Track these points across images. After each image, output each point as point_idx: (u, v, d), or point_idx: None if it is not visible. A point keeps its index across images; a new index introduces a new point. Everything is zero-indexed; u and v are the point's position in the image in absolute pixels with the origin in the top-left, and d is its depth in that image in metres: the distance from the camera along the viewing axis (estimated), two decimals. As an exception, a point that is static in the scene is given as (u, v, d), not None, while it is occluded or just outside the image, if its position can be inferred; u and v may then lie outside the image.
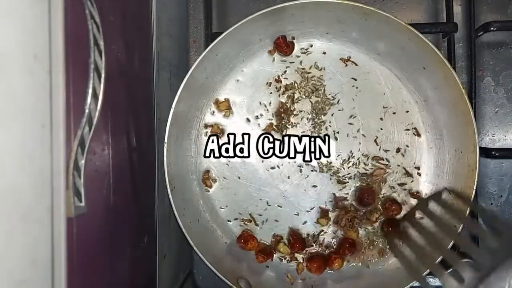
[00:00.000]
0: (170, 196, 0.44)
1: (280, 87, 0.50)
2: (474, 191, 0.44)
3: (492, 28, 0.48)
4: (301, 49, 0.50)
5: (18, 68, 0.22)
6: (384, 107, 0.50)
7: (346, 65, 0.50)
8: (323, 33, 0.49)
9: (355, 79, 0.50)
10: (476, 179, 0.44)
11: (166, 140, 0.44)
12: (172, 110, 0.44)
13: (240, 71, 0.50)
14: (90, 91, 0.27)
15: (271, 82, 0.50)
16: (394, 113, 0.50)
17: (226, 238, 0.51)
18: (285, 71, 0.50)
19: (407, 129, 0.50)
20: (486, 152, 0.49)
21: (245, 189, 0.51)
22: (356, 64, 0.50)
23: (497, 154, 0.49)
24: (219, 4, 0.55)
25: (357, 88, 0.50)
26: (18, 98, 0.22)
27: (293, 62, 0.50)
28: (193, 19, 0.55)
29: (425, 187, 0.50)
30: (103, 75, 0.28)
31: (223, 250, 0.50)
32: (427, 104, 0.49)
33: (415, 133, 0.50)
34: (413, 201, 0.50)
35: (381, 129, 0.50)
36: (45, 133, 0.24)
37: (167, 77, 0.47)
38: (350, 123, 0.50)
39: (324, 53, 0.50)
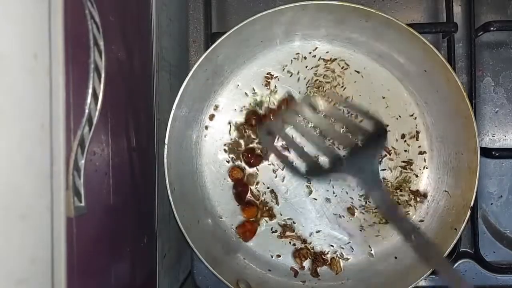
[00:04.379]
0: (170, 198, 0.44)
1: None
2: (474, 194, 0.44)
3: (492, 28, 0.48)
4: (301, 50, 0.50)
5: (18, 68, 0.22)
6: (384, 109, 0.50)
7: (347, 66, 0.50)
8: (323, 34, 0.49)
9: (355, 81, 0.50)
10: (476, 182, 0.44)
11: (166, 142, 0.44)
12: (172, 112, 0.44)
13: (241, 73, 0.50)
14: (90, 91, 0.27)
15: (271, 84, 0.50)
16: (394, 115, 0.50)
17: (225, 239, 0.50)
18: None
19: (408, 131, 0.50)
20: (486, 152, 0.49)
21: (245, 190, 0.51)
22: (358, 66, 0.50)
23: (497, 154, 0.49)
24: (219, 4, 0.55)
25: (357, 90, 0.50)
26: (18, 98, 0.22)
27: (293, 65, 0.50)
28: (193, 19, 0.55)
29: (424, 189, 0.50)
30: (103, 75, 0.28)
31: (224, 252, 0.50)
32: (427, 106, 0.49)
33: (416, 135, 0.50)
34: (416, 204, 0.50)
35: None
36: (45, 133, 0.24)
37: (167, 77, 0.47)
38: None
39: (325, 55, 0.50)
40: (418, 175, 0.50)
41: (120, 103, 0.35)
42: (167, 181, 0.44)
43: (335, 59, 0.50)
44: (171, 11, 0.49)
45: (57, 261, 0.25)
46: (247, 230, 0.50)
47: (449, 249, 0.44)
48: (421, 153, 0.50)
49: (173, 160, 0.45)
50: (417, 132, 0.50)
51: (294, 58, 0.50)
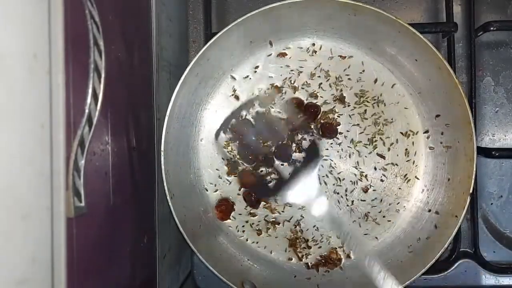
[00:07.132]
0: (170, 204, 0.44)
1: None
2: (473, 181, 0.44)
3: (492, 28, 0.48)
4: (292, 47, 0.50)
5: (18, 68, 0.22)
6: (378, 101, 0.50)
7: (339, 61, 0.50)
8: (313, 31, 0.49)
9: (348, 75, 0.50)
10: (474, 169, 0.44)
11: (162, 149, 0.43)
12: (166, 118, 0.43)
13: (232, 75, 0.50)
14: (90, 91, 0.27)
15: (264, 83, 0.50)
16: (388, 107, 0.50)
17: (228, 242, 0.50)
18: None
19: (403, 122, 0.50)
20: (486, 152, 0.49)
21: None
22: (348, 60, 0.50)
23: (497, 154, 0.49)
24: (219, 4, 0.55)
25: (350, 83, 0.50)
26: (18, 98, 0.22)
27: (285, 63, 0.50)
28: (192, 19, 0.55)
29: (424, 178, 0.50)
30: (103, 75, 0.28)
31: (227, 254, 0.50)
32: (421, 96, 0.49)
33: (411, 125, 0.50)
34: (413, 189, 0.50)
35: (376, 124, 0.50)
36: (45, 133, 0.24)
37: (167, 77, 0.47)
38: (345, 119, 0.50)
39: (315, 51, 0.50)
40: (417, 165, 0.50)
41: (120, 103, 0.35)
42: (166, 187, 0.43)
43: (327, 54, 0.50)
44: (171, 11, 0.49)
45: (57, 261, 0.25)
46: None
47: (451, 237, 0.44)
48: (416, 141, 0.50)
49: (171, 166, 0.45)
50: (412, 122, 0.50)
51: (284, 55, 0.50)
